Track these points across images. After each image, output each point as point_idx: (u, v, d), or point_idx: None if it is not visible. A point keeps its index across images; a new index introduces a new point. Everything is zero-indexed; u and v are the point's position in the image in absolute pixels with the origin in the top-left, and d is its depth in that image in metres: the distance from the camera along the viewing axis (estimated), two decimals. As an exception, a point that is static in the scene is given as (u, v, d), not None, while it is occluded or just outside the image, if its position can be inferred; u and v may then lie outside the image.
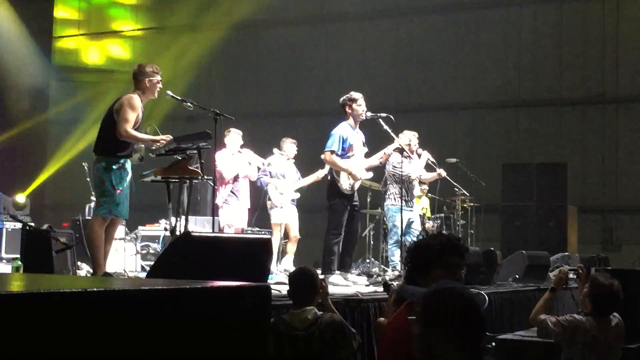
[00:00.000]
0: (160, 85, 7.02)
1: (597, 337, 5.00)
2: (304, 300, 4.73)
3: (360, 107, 8.49)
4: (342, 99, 8.62)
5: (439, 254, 3.57)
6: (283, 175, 10.00)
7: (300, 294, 4.78)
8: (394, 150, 8.97)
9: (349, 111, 8.51)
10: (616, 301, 5.08)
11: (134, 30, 20.05)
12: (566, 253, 11.80)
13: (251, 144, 9.95)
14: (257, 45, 17.79)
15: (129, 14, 20.28)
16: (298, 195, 10.21)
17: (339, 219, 8.44)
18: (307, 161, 10.50)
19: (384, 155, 8.90)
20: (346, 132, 8.50)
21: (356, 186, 8.55)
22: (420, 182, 10.59)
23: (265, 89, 17.87)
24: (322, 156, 8.54)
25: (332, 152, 8.39)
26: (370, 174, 8.97)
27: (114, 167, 6.71)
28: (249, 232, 9.71)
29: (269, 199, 9.83)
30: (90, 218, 8.48)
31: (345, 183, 8.40)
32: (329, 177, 8.67)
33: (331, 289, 5.83)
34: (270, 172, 9.90)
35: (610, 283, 5.06)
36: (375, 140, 9.04)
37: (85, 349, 1.74)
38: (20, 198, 14.25)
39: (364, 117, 8.56)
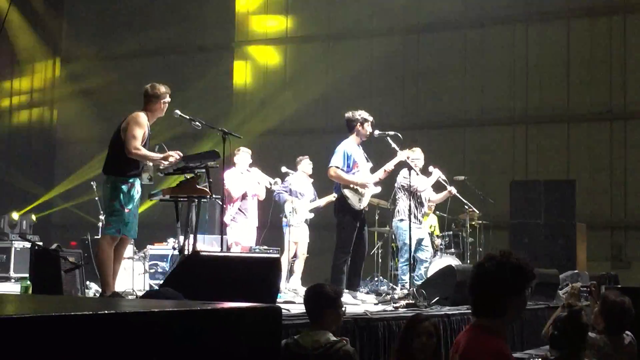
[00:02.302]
0: (166, 105, 7.03)
1: (610, 355, 4.97)
2: (316, 317, 4.68)
3: (369, 128, 8.55)
4: (352, 115, 8.61)
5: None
6: (302, 194, 10.05)
7: (314, 311, 4.74)
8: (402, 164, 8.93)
9: (359, 129, 8.54)
10: (628, 318, 5.06)
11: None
12: (575, 271, 11.72)
13: (258, 162, 9.95)
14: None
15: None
16: (312, 215, 10.22)
17: (347, 238, 8.41)
18: (315, 179, 10.50)
19: (384, 172, 8.88)
20: (351, 148, 8.51)
21: (365, 202, 8.51)
22: (429, 201, 10.53)
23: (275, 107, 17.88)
24: (328, 172, 8.55)
25: (337, 167, 8.40)
26: (379, 189, 8.95)
27: (123, 186, 6.71)
28: (257, 250, 9.70)
29: (285, 217, 9.85)
30: (98, 237, 8.49)
31: (353, 198, 8.39)
32: (334, 195, 8.67)
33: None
34: (290, 190, 9.93)
35: (622, 300, 5.06)
36: (380, 158, 9.02)
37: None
38: (15, 216, 14.21)
39: (365, 139, 8.63)
